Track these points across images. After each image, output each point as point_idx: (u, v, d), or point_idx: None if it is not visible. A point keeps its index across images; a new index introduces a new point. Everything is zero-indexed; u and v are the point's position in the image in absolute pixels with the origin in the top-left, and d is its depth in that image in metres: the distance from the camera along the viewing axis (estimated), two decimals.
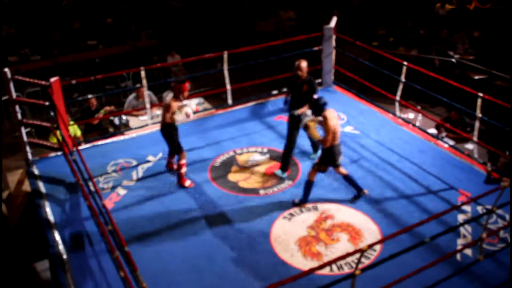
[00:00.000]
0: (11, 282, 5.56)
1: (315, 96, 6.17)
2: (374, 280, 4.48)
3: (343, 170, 5.93)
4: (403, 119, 7.96)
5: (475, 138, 6.88)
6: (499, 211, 5.62)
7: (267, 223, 5.67)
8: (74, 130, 8.30)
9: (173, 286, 4.87)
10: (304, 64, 6.36)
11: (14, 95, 6.49)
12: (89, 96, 8.82)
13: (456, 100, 7.31)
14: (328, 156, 5.71)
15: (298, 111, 6.30)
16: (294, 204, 5.94)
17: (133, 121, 8.76)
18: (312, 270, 4.00)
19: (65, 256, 5.18)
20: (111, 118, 8.70)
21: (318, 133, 5.91)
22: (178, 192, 6.22)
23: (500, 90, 9.83)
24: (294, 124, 6.38)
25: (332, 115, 5.66)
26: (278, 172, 6.50)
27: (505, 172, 6.41)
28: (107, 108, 8.81)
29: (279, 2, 15.76)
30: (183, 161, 6.26)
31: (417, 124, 8.36)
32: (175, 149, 6.27)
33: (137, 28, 13.24)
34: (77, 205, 5.96)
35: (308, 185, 5.85)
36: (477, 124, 6.79)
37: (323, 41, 8.55)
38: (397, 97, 7.77)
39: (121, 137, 7.61)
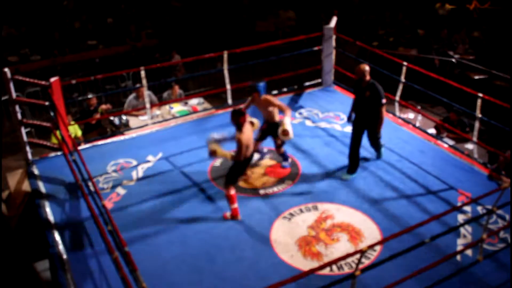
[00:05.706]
0: (11, 282, 5.55)
1: (383, 101, 6.15)
2: (374, 280, 4.48)
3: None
4: (403, 119, 7.96)
5: (474, 138, 6.89)
6: (499, 211, 5.61)
7: (267, 223, 5.67)
8: (75, 130, 8.30)
9: (173, 286, 4.86)
10: (362, 67, 6.24)
11: (14, 95, 6.49)
12: (89, 95, 8.83)
13: (456, 100, 7.31)
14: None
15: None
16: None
17: (133, 121, 8.76)
18: (312, 271, 4.00)
19: (65, 256, 5.18)
20: (111, 118, 8.69)
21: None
22: (178, 192, 6.21)
23: (500, 90, 9.84)
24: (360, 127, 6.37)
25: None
26: (346, 176, 6.39)
27: (505, 172, 6.41)
28: (103, 106, 8.80)
29: (279, 2, 15.77)
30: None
31: (417, 124, 8.36)
32: None
33: (137, 28, 13.24)
34: (77, 205, 5.96)
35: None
36: (477, 124, 6.79)
37: (323, 41, 8.56)
38: (397, 97, 7.78)
39: (121, 137, 7.60)
